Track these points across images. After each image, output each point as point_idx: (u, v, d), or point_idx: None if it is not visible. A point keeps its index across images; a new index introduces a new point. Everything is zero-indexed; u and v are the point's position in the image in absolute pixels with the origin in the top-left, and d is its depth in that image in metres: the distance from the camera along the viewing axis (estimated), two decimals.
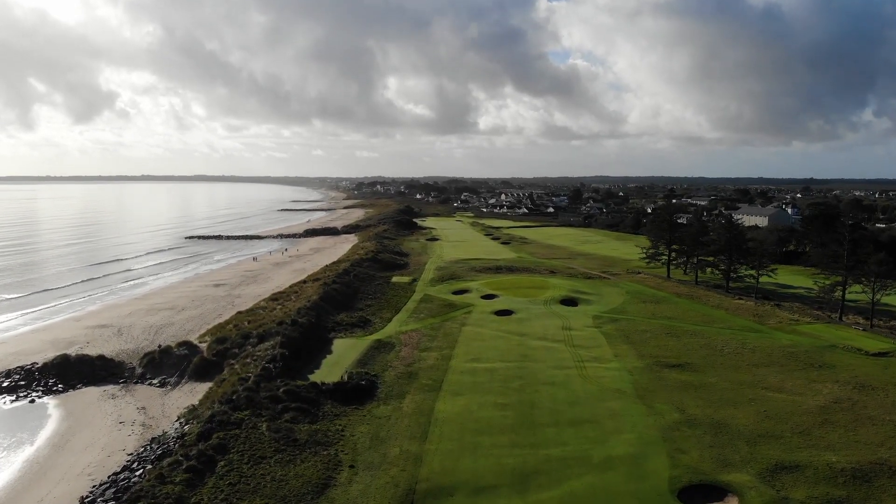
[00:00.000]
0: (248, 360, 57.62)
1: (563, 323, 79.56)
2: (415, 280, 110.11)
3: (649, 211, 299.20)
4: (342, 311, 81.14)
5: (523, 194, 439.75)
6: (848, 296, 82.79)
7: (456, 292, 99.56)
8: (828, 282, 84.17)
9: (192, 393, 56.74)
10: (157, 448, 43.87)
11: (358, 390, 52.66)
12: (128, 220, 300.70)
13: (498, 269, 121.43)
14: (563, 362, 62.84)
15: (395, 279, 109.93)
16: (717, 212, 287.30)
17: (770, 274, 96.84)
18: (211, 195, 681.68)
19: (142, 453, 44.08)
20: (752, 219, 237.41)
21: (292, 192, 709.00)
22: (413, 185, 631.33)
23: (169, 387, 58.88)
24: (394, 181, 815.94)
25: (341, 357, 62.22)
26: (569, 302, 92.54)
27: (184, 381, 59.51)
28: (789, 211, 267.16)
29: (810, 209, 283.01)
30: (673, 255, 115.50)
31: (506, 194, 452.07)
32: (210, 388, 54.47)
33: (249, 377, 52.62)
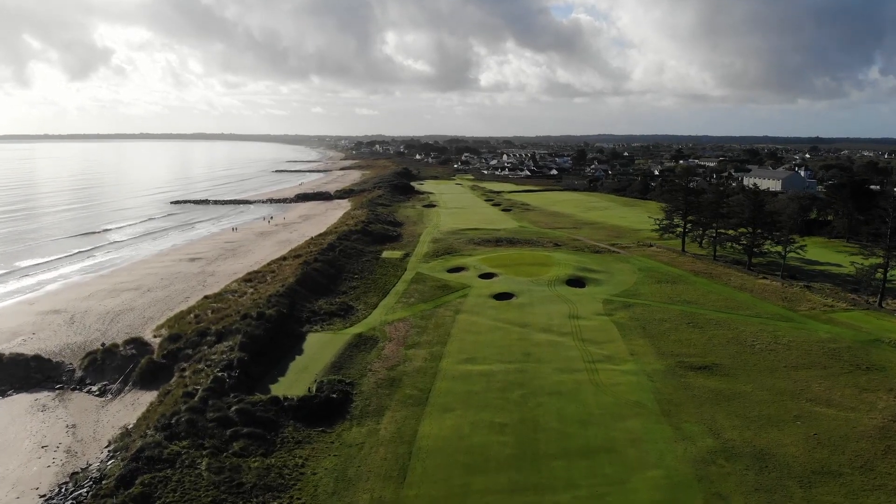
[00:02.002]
0: (202, 366, 48.95)
1: (569, 309, 70.75)
2: (407, 255, 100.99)
3: (657, 173, 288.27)
4: (321, 295, 72.22)
5: (525, 155, 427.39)
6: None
7: (451, 270, 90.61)
8: (867, 263, 75.15)
9: (133, 405, 48.22)
10: (72, 492, 35.42)
11: (328, 406, 44.08)
12: (120, 183, 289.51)
13: (498, 241, 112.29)
14: (571, 363, 54.18)
15: (385, 254, 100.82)
16: (726, 174, 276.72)
17: (799, 251, 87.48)
18: (208, 155, 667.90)
19: (53, 497, 35.64)
20: (765, 182, 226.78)
21: (291, 152, 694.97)
22: (412, 144, 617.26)
23: (109, 396, 50.35)
24: (393, 140, 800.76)
25: (313, 358, 53.48)
26: (575, 282, 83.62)
27: (127, 388, 50.96)
28: (802, 173, 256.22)
29: (825, 172, 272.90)
30: (688, 226, 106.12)
31: (507, 155, 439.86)
32: (151, 403, 45.92)
33: (197, 391, 44.02)
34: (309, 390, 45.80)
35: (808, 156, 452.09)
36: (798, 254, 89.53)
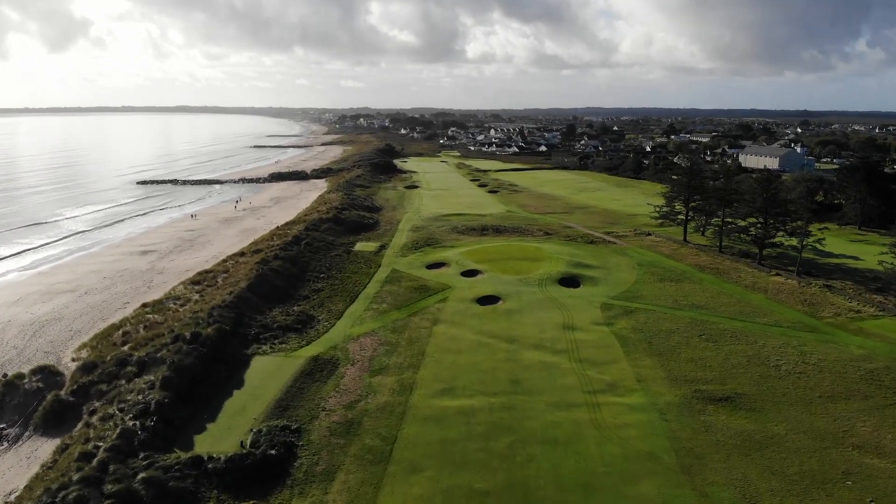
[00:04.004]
0: (113, 409, 39.59)
1: (563, 317, 61.84)
2: (383, 247, 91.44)
3: (648, 149, 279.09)
4: (277, 303, 62.65)
5: (514, 130, 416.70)
6: None
7: (431, 266, 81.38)
8: None
9: (28, 460, 38.81)
10: None
11: (263, 467, 34.98)
12: (92, 161, 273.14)
13: (483, 229, 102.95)
14: (567, 395, 45.31)
15: (358, 246, 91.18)
16: (720, 150, 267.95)
17: (817, 245, 78.79)
18: (187, 129, 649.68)
19: None
20: (762, 160, 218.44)
21: (273, 126, 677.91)
22: (398, 118, 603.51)
23: (5, 444, 40.86)
24: (378, 114, 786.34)
25: (254, 394, 44.07)
26: (569, 281, 74.66)
27: (27, 433, 41.53)
28: (798, 150, 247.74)
29: (821, 148, 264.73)
30: (690, 213, 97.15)
31: (495, 129, 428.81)
32: (44, 464, 36.54)
33: (99, 449, 34.73)
34: (242, 445, 36.60)
35: (799, 130, 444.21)
36: (820, 246, 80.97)
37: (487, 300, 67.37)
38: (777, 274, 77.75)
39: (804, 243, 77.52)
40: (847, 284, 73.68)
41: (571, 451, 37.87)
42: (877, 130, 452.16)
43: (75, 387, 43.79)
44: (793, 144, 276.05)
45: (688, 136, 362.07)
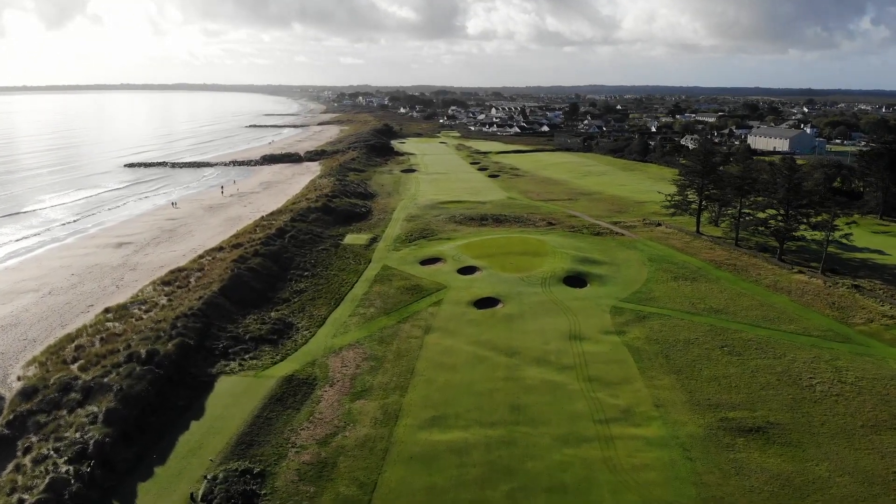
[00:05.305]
0: (48, 449, 33.93)
1: (569, 325, 56.06)
2: (374, 240, 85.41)
3: (654, 130, 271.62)
4: (253, 308, 56.74)
5: (515, 109, 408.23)
6: None
7: (425, 261, 75.51)
8: None
9: None
10: None
11: None
12: (85, 143, 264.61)
13: (483, 219, 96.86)
14: (576, 425, 39.58)
15: (348, 239, 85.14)
16: (728, 131, 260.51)
17: (844, 240, 72.89)
18: (184, 108, 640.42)
19: None
20: (772, 141, 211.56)
21: (271, 104, 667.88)
22: (397, 96, 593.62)
23: None
24: (378, 92, 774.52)
25: (214, 427, 38.28)
26: (575, 280, 68.80)
27: None
28: (808, 131, 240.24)
29: (831, 129, 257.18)
30: (704, 203, 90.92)
31: (496, 108, 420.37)
32: None
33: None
34: (192, 498, 30.96)
35: (806, 110, 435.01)
36: (839, 240, 75.04)
37: (486, 303, 61.59)
38: (800, 271, 71.80)
39: (830, 238, 71.54)
40: (876, 284, 67.82)
41: (581, 501, 32.27)
42: (883, 110, 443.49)
43: (12, 416, 38.02)
44: (802, 125, 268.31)
45: (693, 115, 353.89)
